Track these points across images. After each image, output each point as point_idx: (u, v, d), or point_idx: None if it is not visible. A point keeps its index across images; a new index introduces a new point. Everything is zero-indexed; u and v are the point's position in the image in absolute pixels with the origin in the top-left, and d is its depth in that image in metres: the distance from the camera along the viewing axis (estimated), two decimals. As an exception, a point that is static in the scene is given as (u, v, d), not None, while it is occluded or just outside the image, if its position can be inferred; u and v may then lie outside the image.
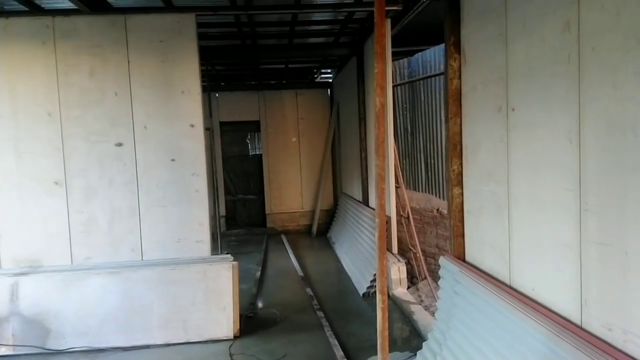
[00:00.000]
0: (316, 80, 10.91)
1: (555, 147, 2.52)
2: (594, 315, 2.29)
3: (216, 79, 10.07)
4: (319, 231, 10.02)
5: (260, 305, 5.73)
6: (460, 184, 3.67)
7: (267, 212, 10.61)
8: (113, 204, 5.00)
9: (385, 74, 2.33)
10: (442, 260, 3.84)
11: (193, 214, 5.08)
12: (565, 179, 2.44)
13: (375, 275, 5.69)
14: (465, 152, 3.62)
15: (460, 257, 3.72)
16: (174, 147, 5.04)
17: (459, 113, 3.66)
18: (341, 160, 9.91)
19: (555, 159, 2.52)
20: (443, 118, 6.53)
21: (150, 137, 5.01)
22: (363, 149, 7.13)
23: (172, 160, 5.04)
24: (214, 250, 6.33)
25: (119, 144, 4.98)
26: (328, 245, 8.89)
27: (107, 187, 4.99)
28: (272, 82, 10.84)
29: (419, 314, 4.87)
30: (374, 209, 6.58)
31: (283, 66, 9.41)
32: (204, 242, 5.09)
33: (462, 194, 3.67)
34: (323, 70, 10.45)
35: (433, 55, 6.75)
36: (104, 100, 4.95)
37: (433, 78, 6.69)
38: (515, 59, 2.94)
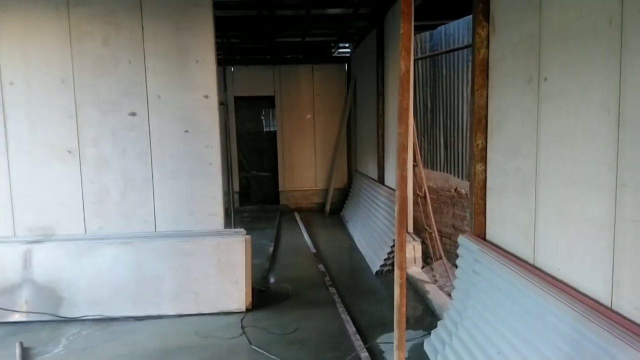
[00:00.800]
0: (333, 55, 10.67)
1: (591, 118, 2.35)
2: (626, 297, 2.15)
3: (231, 52, 9.90)
4: (332, 210, 9.93)
5: (272, 280, 5.69)
6: (483, 159, 3.51)
7: (280, 190, 10.55)
8: (126, 174, 4.95)
9: (411, 35, 2.17)
10: (462, 239, 3.71)
11: (206, 187, 5.01)
12: (601, 153, 2.27)
13: (389, 254, 5.61)
14: (491, 127, 3.45)
15: (480, 235, 3.59)
16: (187, 118, 4.95)
17: (485, 85, 3.48)
18: (357, 138, 9.74)
19: (590, 131, 2.35)
20: (466, 94, 6.33)
21: (164, 108, 4.92)
22: (380, 126, 6.96)
23: (186, 131, 4.95)
24: (228, 224, 6.34)
25: (133, 114, 4.90)
26: (341, 224, 8.81)
27: (121, 158, 4.94)
28: (288, 56, 10.62)
29: (434, 293, 4.78)
30: (390, 188, 6.44)
31: (300, 39, 9.19)
32: (217, 215, 5.03)
33: (485, 170, 3.52)
34: (341, 45, 10.20)
35: (457, 28, 6.49)
36: (118, 68, 4.85)
37: (456, 52, 6.45)
38: (549, 26, 2.74)
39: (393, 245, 5.46)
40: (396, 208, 2.22)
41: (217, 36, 8.40)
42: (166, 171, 4.97)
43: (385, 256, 5.60)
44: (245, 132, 11.41)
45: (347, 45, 10.30)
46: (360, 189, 8.60)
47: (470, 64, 6.12)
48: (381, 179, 7.03)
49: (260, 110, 11.49)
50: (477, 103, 3.48)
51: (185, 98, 4.92)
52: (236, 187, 10.39)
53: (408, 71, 2.14)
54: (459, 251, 3.74)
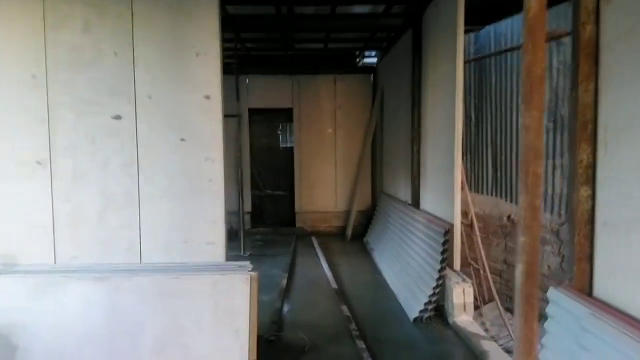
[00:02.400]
0: (358, 65, 9.73)
1: None
2: None
3: (246, 59, 9.05)
4: (354, 234, 8.84)
5: (284, 325, 4.62)
6: (590, 181, 2.45)
7: (296, 211, 9.52)
8: (107, 191, 3.99)
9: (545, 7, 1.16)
10: (554, 294, 2.62)
11: (205, 209, 4.02)
12: None
13: (430, 296, 4.50)
14: (604, 135, 2.39)
15: (584, 290, 2.49)
16: (184, 124, 4.00)
17: (592, 75, 2.43)
18: (383, 155, 8.70)
19: None
20: (520, 101, 5.27)
21: (155, 110, 3.98)
22: (415, 141, 5.92)
23: (182, 140, 3.99)
24: (234, 254, 5.30)
25: (117, 117, 3.97)
26: (365, 252, 7.71)
27: (101, 170, 3.99)
28: (308, 66, 9.71)
29: (496, 356, 3.64)
30: (429, 214, 5.36)
31: (322, 46, 8.29)
32: (217, 244, 4.02)
33: (592, 196, 2.44)
34: (366, 54, 9.27)
35: (510, 27, 5.47)
36: (101, 61, 3.94)
37: (509, 53, 5.41)
38: None
39: (436, 286, 4.36)
40: (521, 257, 1.17)
41: (230, 40, 7.55)
42: (156, 188, 4.00)
43: (426, 299, 4.49)
44: (260, 148, 10.48)
45: (373, 53, 9.37)
46: (387, 213, 7.52)
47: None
48: (416, 203, 5.95)
49: (276, 125, 10.56)
50: (581, 101, 2.43)
51: (181, 99, 3.98)
52: (247, 207, 9.41)
53: (542, 10, 1.12)
54: (549, 310, 2.63)
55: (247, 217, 9.41)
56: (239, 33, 7.38)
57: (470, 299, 4.32)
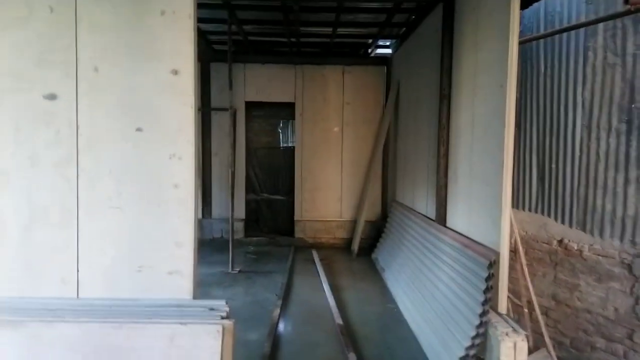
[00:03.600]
0: (370, 55, 8.64)
1: None
2: None
3: (243, 45, 7.97)
4: (362, 249, 7.74)
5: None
6: None
7: (296, 219, 8.42)
8: (35, 198, 2.92)
9: None
10: None
11: (168, 226, 2.93)
12: None
13: (467, 349, 3.39)
14: None
15: None
16: (142, 108, 2.92)
17: None
18: (397, 158, 7.61)
19: None
20: (581, 96, 4.17)
21: (103, 88, 2.91)
22: (442, 142, 4.81)
23: (138, 129, 2.91)
24: (220, 268, 4.14)
25: (51, 97, 2.90)
26: (374, 272, 6.61)
27: (27, 169, 2.92)
28: (314, 53, 8.63)
29: None
30: (461, 235, 4.24)
31: (330, 30, 7.19)
32: (182, 274, 2.94)
33: None
34: (380, 42, 8.16)
35: (565, 2, 4.38)
36: (30, 19, 2.87)
37: (565, 34, 4.31)
38: None
39: (475, 335, 3.25)
40: None
41: (222, 20, 6.45)
42: (102, 196, 2.92)
43: (462, 352, 3.38)
44: (258, 147, 9.40)
45: (387, 43, 8.28)
46: (401, 227, 6.42)
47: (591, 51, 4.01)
48: (442, 219, 4.85)
49: (277, 121, 9.48)
50: None
51: (139, 73, 2.90)
52: (240, 213, 8.32)
53: None
54: None
55: (240, 225, 8.32)
56: (234, 12, 6.30)
57: (524, 357, 3.20)
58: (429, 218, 5.36)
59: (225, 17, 6.22)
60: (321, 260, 7.11)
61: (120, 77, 2.89)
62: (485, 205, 3.82)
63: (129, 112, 2.90)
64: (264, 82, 8.21)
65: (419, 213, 5.83)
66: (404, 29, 7.06)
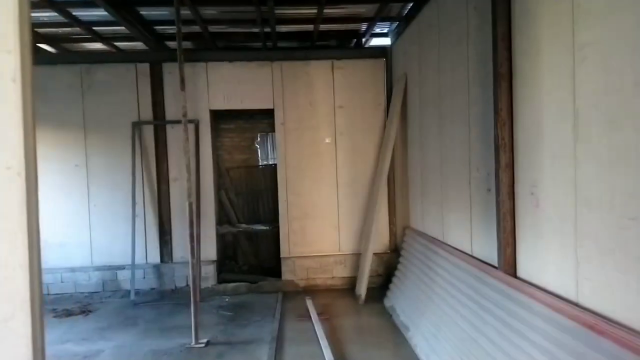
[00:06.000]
0: (364, 45, 6.99)
1: None
2: None
3: (205, 39, 6.24)
4: (371, 292, 5.96)
5: None
6: None
7: (282, 256, 6.61)
8: None
9: None
10: None
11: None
12: None
13: None
14: None
15: None
16: None
17: None
18: (409, 172, 5.91)
19: None
20: None
21: None
22: (503, 146, 3.10)
23: None
24: (181, 339, 2.23)
25: None
26: (394, 331, 4.82)
27: None
28: (294, 46, 6.94)
29: None
30: (553, 295, 2.48)
31: (314, 11, 5.51)
32: None
33: None
34: (377, 30, 6.52)
35: None
36: None
37: None
38: None
39: None
40: None
41: (166, 2, 4.71)
42: None
43: None
44: (232, 167, 7.65)
45: (385, 30, 6.64)
46: (427, 266, 4.70)
47: None
48: (508, 265, 3.10)
49: (252, 135, 7.75)
50: None
51: None
52: (211, 254, 6.49)
53: None
54: None
55: (210, 269, 6.47)
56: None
57: None
58: (478, 259, 3.62)
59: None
60: (319, 314, 5.30)
61: None
62: (622, 251, 2.10)
63: None
64: (233, 86, 6.47)
65: (457, 250, 4.09)
66: (411, 3, 5.43)
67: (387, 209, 6.59)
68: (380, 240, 6.48)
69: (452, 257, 4.14)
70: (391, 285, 5.74)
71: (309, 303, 5.71)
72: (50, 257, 6.18)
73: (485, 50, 3.42)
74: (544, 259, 2.77)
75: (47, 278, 6.17)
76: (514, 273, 3.09)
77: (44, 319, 1.37)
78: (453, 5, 4.10)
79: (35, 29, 5.70)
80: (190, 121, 6.25)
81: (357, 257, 6.51)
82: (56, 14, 5.12)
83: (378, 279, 6.47)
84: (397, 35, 6.23)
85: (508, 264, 3.11)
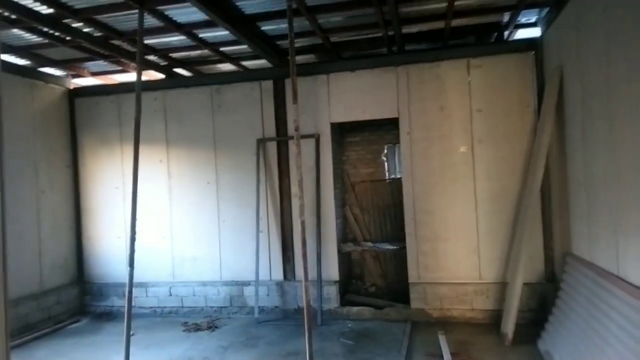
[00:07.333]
0: (506, 39, 6.00)
1: None
2: None
3: (326, 50, 5.98)
4: (520, 330, 4.91)
5: None
6: None
7: (411, 281, 5.91)
8: None
9: None
10: None
11: None
12: None
13: None
14: None
15: None
16: None
17: None
18: (569, 187, 4.77)
19: None
20: None
21: None
22: None
23: None
24: None
25: None
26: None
27: None
28: (422, 47, 6.28)
29: None
30: None
31: (444, 6, 4.83)
32: None
33: None
34: (522, 21, 5.52)
35: None
36: None
37: None
38: None
39: None
40: None
41: (280, 13, 4.45)
42: None
43: None
44: (357, 181, 7.27)
45: (533, 20, 5.60)
46: (598, 308, 3.60)
47: None
48: None
49: (379, 148, 7.27)
50: None
51: None
52: (333, 274, 6.12)
53: None
54: None
55: (333, 290, 6.09)
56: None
57: None
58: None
59: (283, 8, 4.29)
60: (453, 354, 4.49)
61: None
62: None
63: None
64: (355, 96, 6.07)
65: (649, 293, 2.99)
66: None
67: (541, 231, 5.46)
68: (532, 267, 5.37)
69: (633, 299, 3.05)
70: (547, 325, 4.64)
71: (442, 339, 4.91)
72: (185, 271, 6.46)
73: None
74: None
75: (181, 291, 6.47)
76: None
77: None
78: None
79: (170, 54, 6.07)
80: (310, 135, 6.02)
81: (503, 286, 5.50)
82: (184, 37, 5.33)
83: (529, 315, 5.36)
84: (547, 23, 5.17)
85: None
